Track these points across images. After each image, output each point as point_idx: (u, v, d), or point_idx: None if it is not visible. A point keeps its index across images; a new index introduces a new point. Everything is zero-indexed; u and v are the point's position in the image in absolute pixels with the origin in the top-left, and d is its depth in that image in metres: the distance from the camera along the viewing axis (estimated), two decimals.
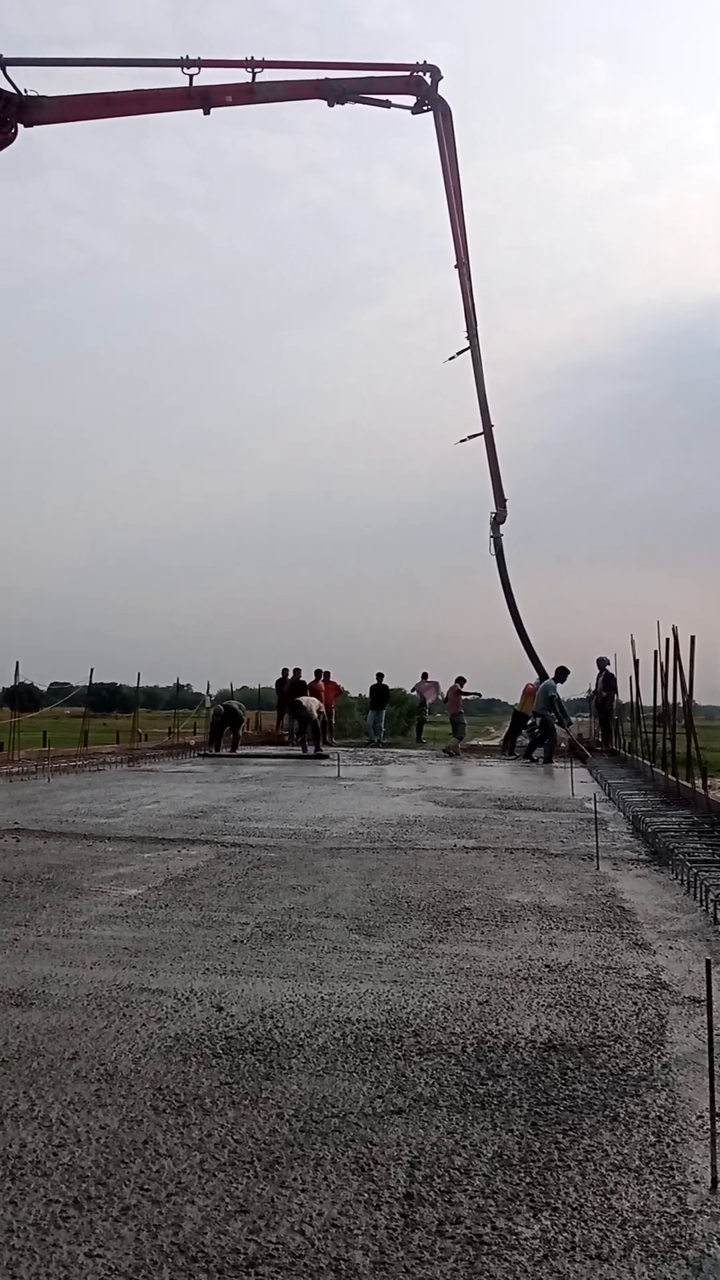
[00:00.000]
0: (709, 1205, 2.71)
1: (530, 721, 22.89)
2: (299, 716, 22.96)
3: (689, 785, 12.37)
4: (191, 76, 20.73)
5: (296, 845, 8.99)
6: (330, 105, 22.12)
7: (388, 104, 22.86)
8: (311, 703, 22.92)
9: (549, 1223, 2.62)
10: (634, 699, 19.75)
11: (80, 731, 23.55)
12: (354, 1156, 2.96)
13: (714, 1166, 2.85)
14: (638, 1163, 2.95)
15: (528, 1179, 2.84)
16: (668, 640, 14.03)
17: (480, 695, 29.14)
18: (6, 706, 26.89)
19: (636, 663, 18.99)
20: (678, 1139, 3.11)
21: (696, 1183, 2.83)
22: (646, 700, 18.04)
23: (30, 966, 4.94)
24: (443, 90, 22.95)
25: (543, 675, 23.27)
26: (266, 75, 21.28)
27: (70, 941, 5.45)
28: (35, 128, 20.58)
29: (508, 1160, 2.95)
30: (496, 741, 27.62)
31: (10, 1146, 3.00)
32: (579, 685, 24.84)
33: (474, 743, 27.51)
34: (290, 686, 27.51)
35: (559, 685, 21.79)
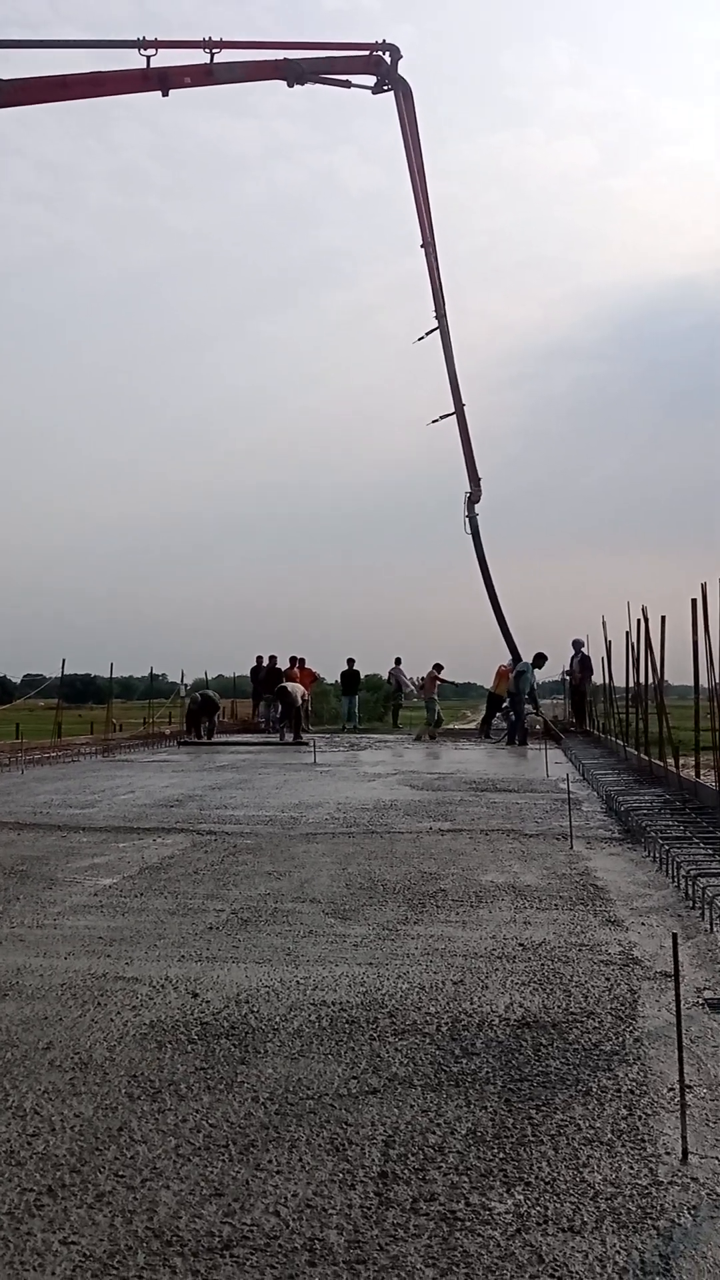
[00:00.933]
0: (679, 1176, 2.75)
1: (505, 704, 23.00)
2: (284, 703, 22.97)
3: (661, 764, 12.47)
4: (149, 58, 20.50)
5: (272, 831, 8.99)
6: (290, 86, 21.93)
7: (348, 84, 22.69)
8: (297, 689, 23.01)
9: (522, 1197, 2.64)
10: (607, 680, 19.88)
11: (54, 723, 23.43)
12: (329, 1137, 2.98)
13: (684, 1138, 2.88)
14: (610, 1136, 2.98)
15: (501, 1155, 2.87)
16: (639, 621, 14.13)
17: (455, 684, 29.28)
18: None
19: (609, 644, 19.11)
20: (649, 1112, 3.14)
21: (667, 1154, 2.86)
22: (619, 681, 18.17)
23: (4, 958, 4.92)
24: (406, 72, 22.81)
25: (516, 656, 23.36)
26: (225, 56, 21.07)
27: (44, 932, 5.43)
28: None
29: (481, 1137, 2.98)
30: (473, 725, 27.71)
31: None
32: (554, 667, 24.96)
33: (451, 726, 27.57)
34: (267, 674, 27.48)
35: (536, 670, 21.90)
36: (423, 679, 26.66)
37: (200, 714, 23.51)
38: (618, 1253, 2.38)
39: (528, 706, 22.01)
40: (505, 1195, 2.65)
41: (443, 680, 26.17)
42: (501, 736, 22.56)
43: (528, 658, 22.22)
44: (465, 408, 24.51)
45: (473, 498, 24.71)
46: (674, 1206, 2.59)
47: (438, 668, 25.91)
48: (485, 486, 24.85)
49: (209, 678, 30.69)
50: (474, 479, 24.71)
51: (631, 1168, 2.79)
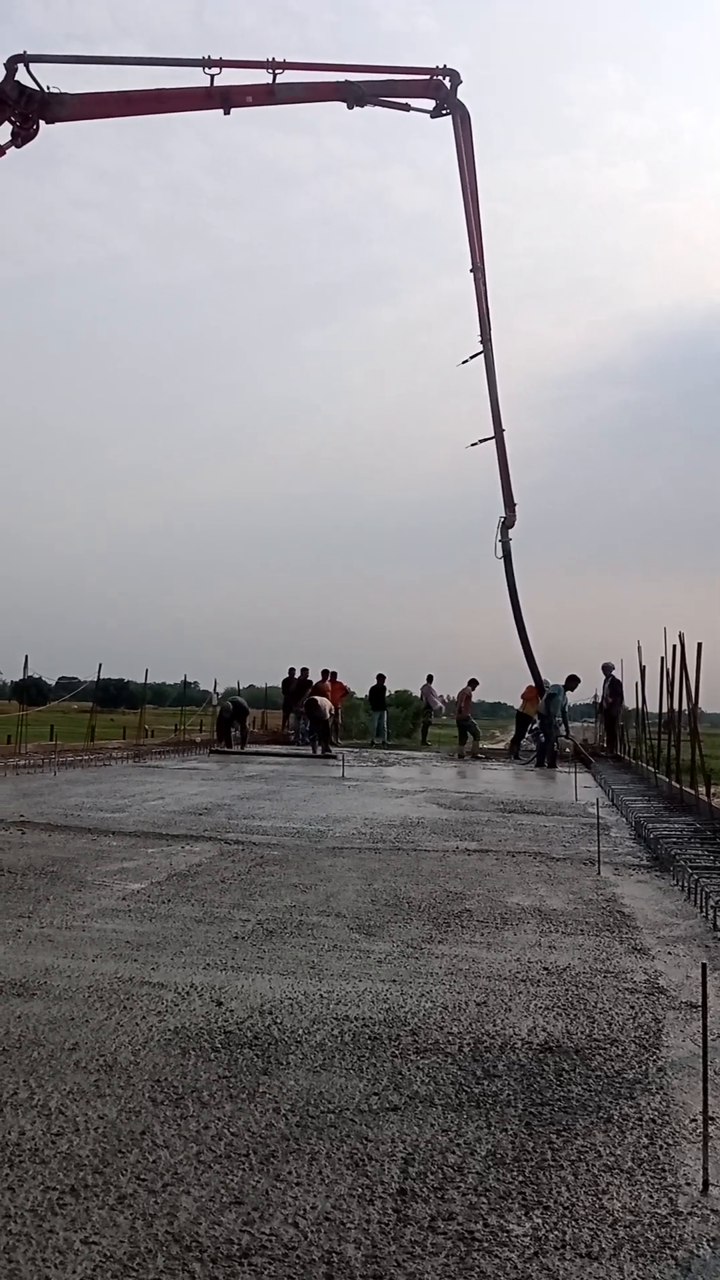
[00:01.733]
0: (699, 1207, 2.74)
1: (534, 725, 22.92)
2: (313, 716, 23.06)
3: (692, 792, 12.38)
4: (213, 77, 20.82)
5: (299, 844, 9.02)
6: (350, 108, 22.16)
7: (407, 107, 22.89)
8: (325, 703, 23.09)
9: (540, 1221, 2.64)
10: (639, 705, 19.76)
11: (87, 726, 23.65)
12: (349, 1152, 2.99)
13: (705, 1169, 2.87)
14: (630, 1164, 2.98)
15: (520, 1178, 2.87)
16: (674, 647, 14.06)
17: (446, 701, 29.23)
18: (15, 700, 26.98)
19: (643, 669, 19.01)
20: (670, 1142, 3.13)
21: (688, 1185, 2.85)
22: (652, 707, 18.06)
23: (33, 958, 4.98)
24: (461, 94, 22.97)
25: (538, 681, 23.37)
26: (287, 77, 21.33)
27: (73, 934, 5.49)
28: (56, 124, 20.68)
29: (501, 1159, 2.98)
30: (503, 745, 27.62)
31: (9, 1134, 3.04)
32: (586, 691, 24.87)
33: (480, 745, 27.49)
34: (297, 686, 27.59)
35: (569, 693, 21.81)
36: (455, 698, 26.54)
37: (231, 721, 23.68)
38: None
39: (559, 730, 21.91)
40: (524, 1218, 2.65)
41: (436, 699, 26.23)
42: (531, 758, 22.47)
43: (559, 680, 22.12)
44: (505, 432, 24.55)
45: (507, 522, 24.70)
46: (693, 1237, 2.58)
47: (472, 684, 25.80)
48: (521, 506, 24.85)
49: (240, 687, 30.80)
50: (509, 504, 24.70)
51: (651, 1197, 2.78)
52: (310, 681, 27.22)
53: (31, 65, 20.15)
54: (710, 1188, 2.83)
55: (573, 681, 22.04)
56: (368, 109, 22.54)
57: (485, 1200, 2.73)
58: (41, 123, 20.52)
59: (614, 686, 23.65)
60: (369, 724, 29.30)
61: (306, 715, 24.07)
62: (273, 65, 21.08)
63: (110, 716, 33.69)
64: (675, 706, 14.59)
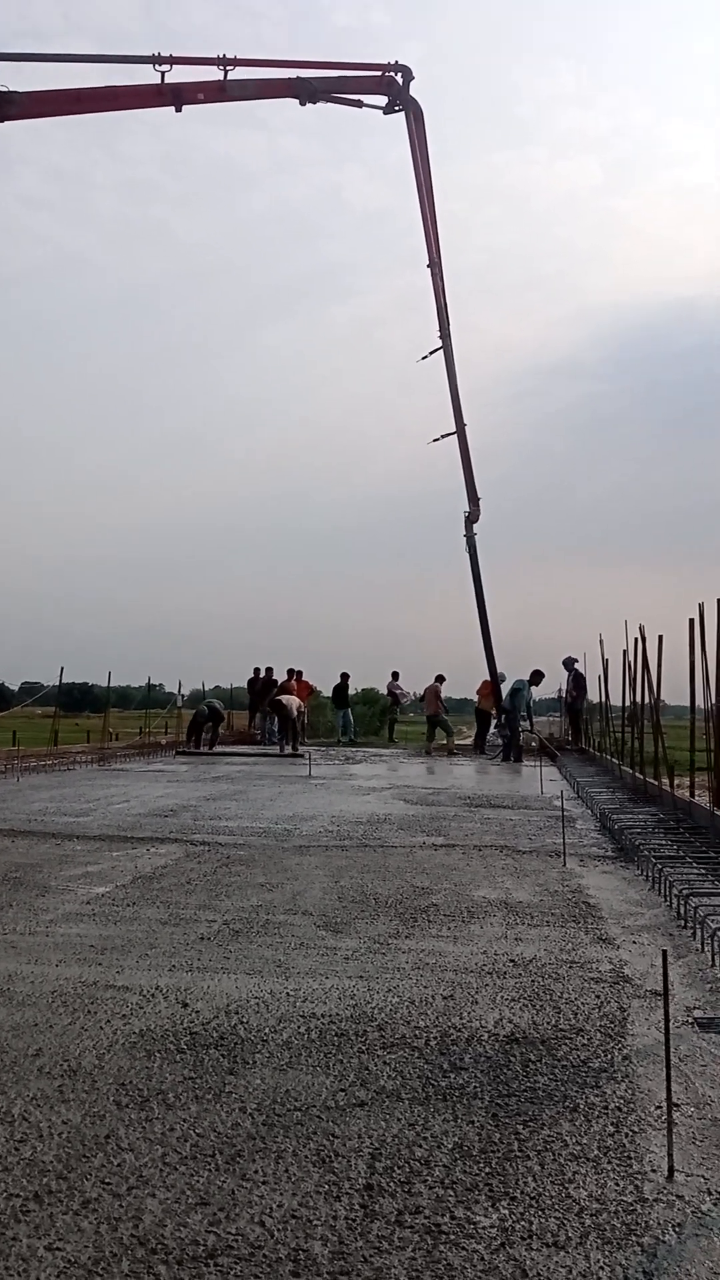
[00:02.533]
0: (665, 1193, 2.75)
1: (498, 720, 23.01)
2: (280, 715, 23.02)
3: (656, 784, 12.48)
4: (163, 74, 20.68)
5: (266, 843, 8.99)
6: (302, 104, 22.11)
7: (360, 104, 22.87)
8: (292, 702, 23.09)
9: (507, 1212, 2.64)
10: (603, 698, 19.88)
11: (51, 731, 23.41)
12: (315, 1149, 2.98)
13: (670, 1155, 2.89)
14: (596, 1152, 2.99)
15: (487, 1169, 2.87)
16: (636, 640, 14.15)
17: (414, 696, 29.26)
18: None
19: (605, 662, 19.12)
20: (636, 1129, 3.15)
21: (653, 1172, 2.87)
22: (615, 700, 18.18)
23: None
24: (414, 90, 22.97)
25: (494, 676, 23.61)
26: (238, 73, 21.24)
27: (36, 939, 5.43)
28: (5, 123, 20.46)
29: (468, 1151, 2.98)
30: (468, 741, 27.69)
31: None
32: (550, 685, 25.00)
33: (441, 742, 27.57)
34: (263, 686, 27.53)
35: (533, 687, 21.88)
36: (422, 694, 26.51)
37: (204, 723, 23.64)
38: (602, 1268, 2.39)
39: (524, 724, 22.00)
40: (490, 1209, 2.65)
41: (399, 691, 26.24)
42: (497, 753, 22.56)
43: (522, 675, 22.18)
44: (466, 427, 24.61)
45: (471, 517, 24.76)
46: (659, 1223, 2.59)
47: (439, 679, 25.81)
48: (484, 500, 24.92)
49: (206, 689, 30.68)
50: (473, 499, 24.76)
51: (617, 1184, 2.80)
52: (275, 681, 27.18)
53: None
54: (675, 1174, 2.84)
55: (537, 676, 22.12)
56: (320, 106, 22.50)
57: (452, 1193, 2.73)
58: None
59: (577, 680, 23.80)
60: (335, 722, 29.28)
61: (273, 714, 24.02)
62: (224, 62, 20.99)
63: (74, 721, 33.43)
64: (638, 699, 14.71)
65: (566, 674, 24.24)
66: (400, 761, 21.65)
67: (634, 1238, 2.53)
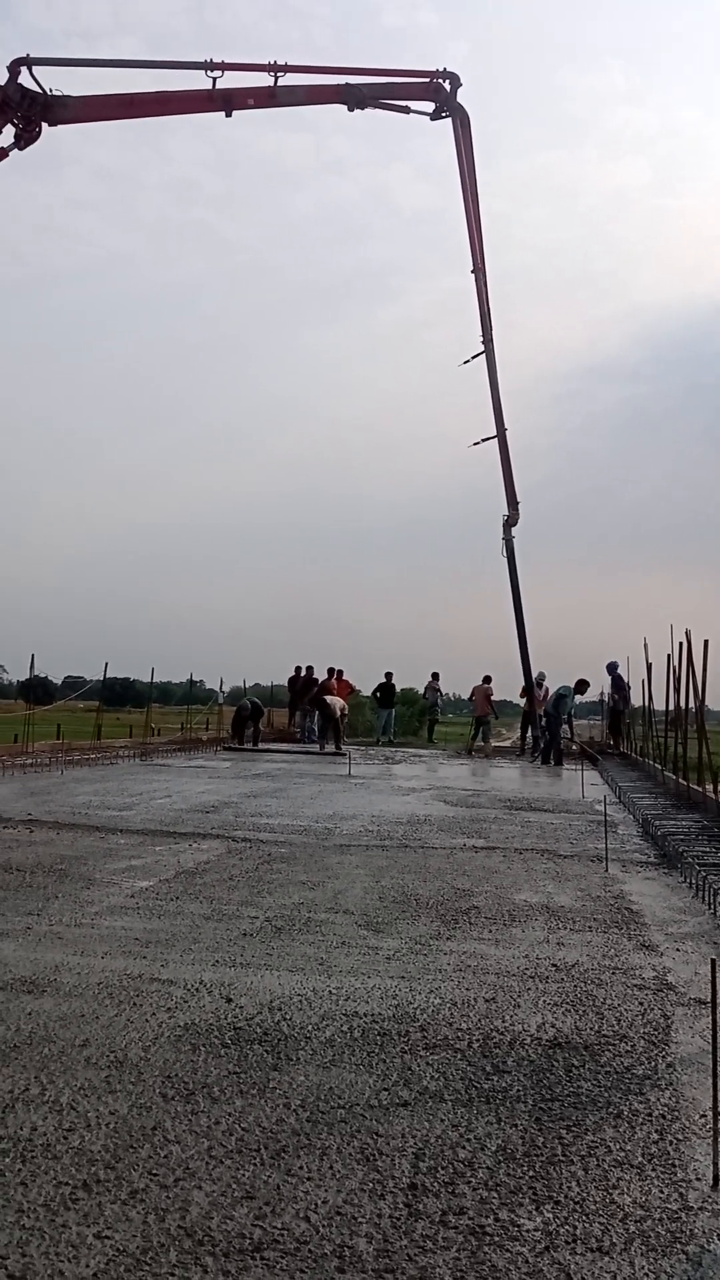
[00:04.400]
0: (710, 1202, 2.74)
1: (541, 724, 22.94)
2: (323, 714, 23.14)
3: (699, 789, 12.37)
4: (214, 80, 20.83)
5: (307, 841, 9.03)
6: (350, 110, 22.18)
7: (407, 110, 22.88)
8: (336, 702, 23.25)
9: (551, 1215, 2.65)
10: (646, 702, 19.74)
11: (94, 725, 23.69)
12: (359, 1147, 3.00)
13: (715, 1164, 2.88)
14: (640, 1159, 2.98)
15: (531, 1173, 2.88)
16: (680, 644, 14.03)
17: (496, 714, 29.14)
18: (21, 699, 27.03)
19: (649, 666, 18.98)
20: (680, 1137, 3.14)
21: (698, 1180, 2.86)
22: (659, 704, 18.04)
23: (42, 955, 5.00)
24: (461, 93, 22.95)
25: (528, 680, 23.61)
26: (288, 80, 21.36)
27: (82, 931, 5.50)
28: (58, 126, 20.71)
29: (511, 1154, 2.99)
30: (509, 743, 27.61)
31: (21, 1130, 3.05)
32: (592, 689, 24.86)
33: (480, 743, 27.50)
34: (303, 684, 27.62)
35: (578, 697, 21.85)
36: (471, 696, 26.37)
37: (246, 720, 23.94)
38: (646, 1275, 2.38)
39: (564, 730, 21.95)
40: (534, 1213, 2.66)
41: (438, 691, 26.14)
42: (536, 755, 22.53)
43: (566, 682, 22.06)
44: (507, 431, 24.52)
45: (510, 521, 24.67)
46: (704, 1232, 2.58)
47: (487, 680, 25.72)
48: (524, 503, 24.83)
49: (246, 686, 30.87)
50: (512, 503, 24.67)
51: (662, 1192, 2.79)
52: (316, 680, 27.26)
53: (34, 68, 20.19)
54: None
55: (582, 685, 22.03)
56: (368, 110, 22.55)
57: (496, 1195, 2.74)
58: (44, 125, 20.56)
59: (618, 684, 23.66)
60: (375, 722, 29.29)
61: (313, 712, 24.12)
62: (274, 68, 21.10)
63: (116, 715, 33.71)
64: (681, 704, 14.58)
65: (609, 678, 24.11)
66: (440, 762, 21.63)
67: (679, 1245, 2.52)
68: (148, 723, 25.71)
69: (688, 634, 13.72)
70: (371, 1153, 2.97)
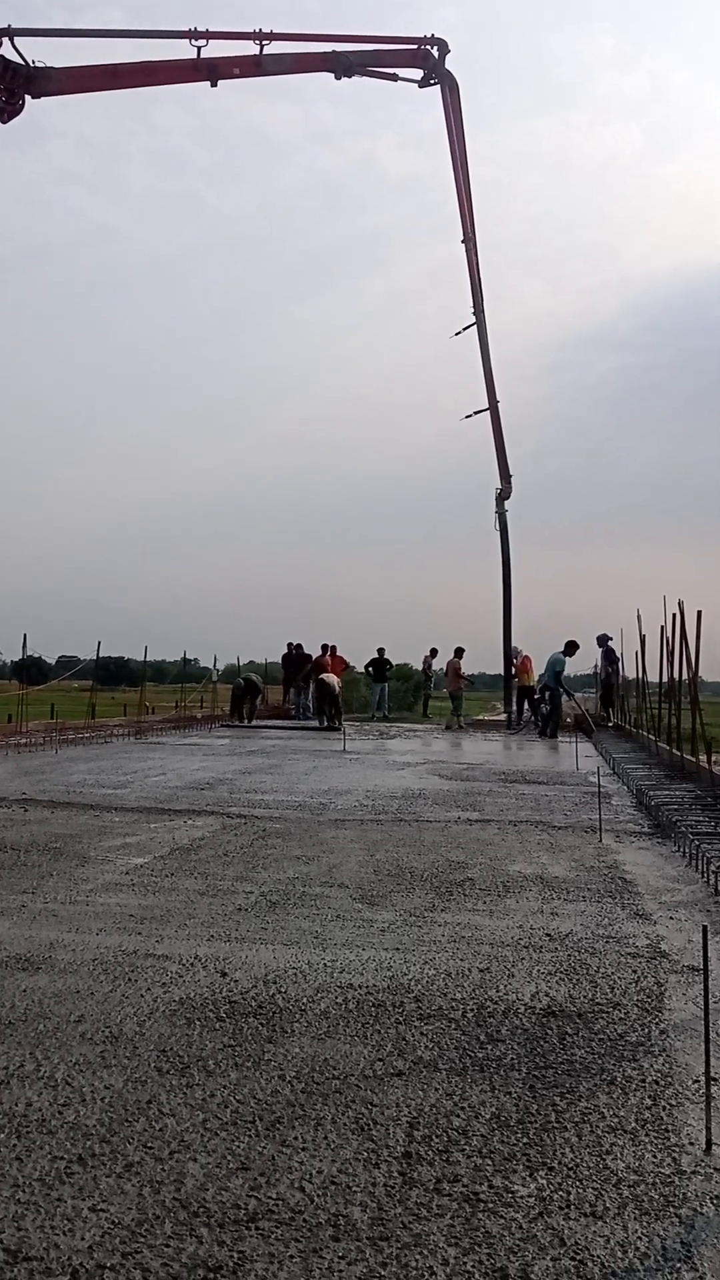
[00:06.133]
0: (703, 1166, 2.76)
1: (537, 696, 22.96)
2: (325, 693, 23.16)
3: (693, 760, 12.40)
4: (199, 49, 20.53)
5: (301, 817, 9.04)
6: (337, 78, 21.89)
7: (395, 77, 22.59)
8: (333, 678, 23.33)
9: (545, 1181, 2.66)
10: (640, 674, 19.76)
11: (88, 704, 23.67)
12: (354, 1117, 3.01)
13: (708, 1129, 2.89)
14: (634, 1125, 3.00)
15: (525, 1139, 2.89)
16: (674, 615, 14.03)
17: (473, 683, 29.28)
18: (15, 679, 26.97)
19: (643, 638, 18.98)
20: (674, 1102, 3.15)
21: (691, 1144, 2.88)
22: (653, 676, 18.06)
23: (37, 932, 5.00)
24: (449, 60, 22.67)
25: (507, 653, 23.79)
26: (274, 48, 21.05)
27: (77, 908, 5.51)
28: (42, 99, 20.43)
29: (505, 1121, 3.00)
30: (502, 716, 27.65)
31: (17, 1105, 3.05)
32: (584, 661, 24.89)
33: (480, 717, 27.52)
34: (296, 660, 27.62)
35: (568, 659, 21.77)
36: (444, 669, 26.41)
37: (244, 697, 24.06)
38: (639, 1239, 2.40)
39: (563, 696, 21.99)
40: (528, 1179, 2.67)
41: (464, 677, 26.08)
42: (523, 727, 22.67)
43: (557, 648, 21.97)
44: (499, 403, 24.43)
45: (503, 494, 24.62)
46: (697, 1195, 2.60)
47: (458, 653, 25.70)
48: (518, 474, 24.78)
49: (240, 663, 30.85)
50: (505, 475, 24.61)
51: (655, 1156, 2.80)
52: (309, 656, 27.26)
53: (15, 39, 19.89)
54: (713, 1147, 2.85)
55: (571, 647, 21.85)
56: (355, 78, 22.28)
57: (490, 1162, 2.75)
58: (27, 97, 20.28)
59: (608, 655, 23.66)
60: (369, 697, 29.31)
61: (315, 691, 24.12)
62: (260, 36, 20.80)
63: (111, 694, 33.71)
64: (675, 675, 14.60)
65: (600, 650, 24.11)
66: (434, 737, 21.68)
67: (672, 1209, 2.53)
68: (142, 701, 25.67)
69: (681, 605, 13.73)
70: (366, 1122, 2.98)
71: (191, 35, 20.51)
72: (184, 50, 20.76)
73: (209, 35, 20.59)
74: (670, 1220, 2.48)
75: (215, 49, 20.79)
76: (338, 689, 23.36)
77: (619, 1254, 2.33)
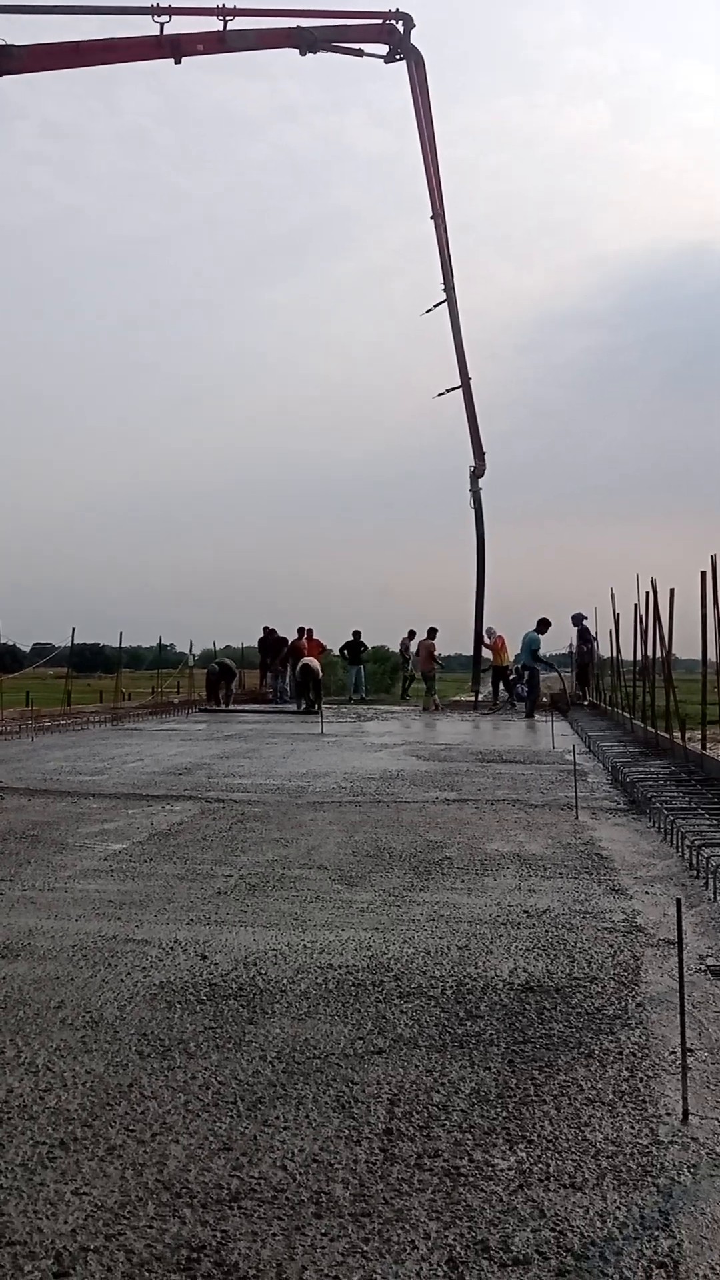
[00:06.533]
0: (680, 1136, 2.79)
1: (511, 676, 23.06)
2: (307, 676, 23.16)
3: (667, 737, 12.51)
4: (162, 25, 20.36)
5: (280, 800, 9.06)
6: (302, 54, 21.79)
7: (360, 53, 22.50)
8: (316, 663, 23.46)
9: (524, 1154, 2.69)
10: (614, 653, 19.88)
11: (63, 691, 23.57)
12: (335, 1095, 3.03)
13: (685, 1099, 2.93)
14: (611, 1097, 3.03)
15: (504, 1114, 2.92)
16: (647, 594, 14.12)
17: (441, 665, 29.36)
18: None
19: (616, 616, 19.09)
20: (651, 1074, 3.19)
21: (668, 1115, 2.91)
22: (626, 654, 18.18)
23: (16, 920, 4.99)
24: (416, 35, 22.57)
25: (479, 634, 23.95)
26: (238, 23, 20.91)
27: (55, 895, 5.50)
28: (4, 78, 20.18)
29: (485, 1096, 3.03)
30: (480, 696, 27.77)
31: None
32: (559, 641, 25.00)
33: (457, 698, 27.60)
34: (273, 644, 27.60)
35: (540, 637, 21.85)
36: (416, 651, 26.47)
37: (219, 681, 24.08)
38: (618, 1208, 2.43)
39: (548, 672, 22.15)
40: (508, 1152, 2.70)
41: (437, 660, 26.16)
42: (500, 707, 22.78)
43: (531, 628, 22.02)
44: (471, 381, 24.43)
45: (477, 472, 24.68)
46: (674, 1165, 2.63)
47: (431, 634, 25.74)
48: (491, 453, 24.82)
49: (217, 648, 30.78)
50: (478, 453, 24.65)
51: (633, 1127, 2.84)
52: (284, 639, 27.24)
53: None
54: (690, 1117, 2.88)
55: (543, 625, 21.90)
56: (321, 54, 22.13)
57: (470, 1137, 2.78)
58: None
59: (583, 635, 23.79)
60: (346, 679, 29.35)
61: (299, 674, 24.08)
62: (223, 12, 20.64)
63: (86, 681, 33.53)
64: (649, 653, 14.70)
65: (575, 629, 24.23)
66: (412, 718, 21.73)
67: (650, 1179, 2.57)
68: (118, 687, 25.62)
69: (653, 583, 13.81)
70: (347, 1100, 3.00)
71: (154, 11, 20.33)
72: (148, 27, 20.59)
73: (172, 11, 20.42)
74: (648, 1190, 2.52)
75: (179, 25, 20.65)
76: (320, 674, 23.45)
77: (598, 1224, 2.37)
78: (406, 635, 29.03)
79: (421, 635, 26.68)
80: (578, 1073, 3.20)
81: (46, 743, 15.14)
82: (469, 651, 27.73)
